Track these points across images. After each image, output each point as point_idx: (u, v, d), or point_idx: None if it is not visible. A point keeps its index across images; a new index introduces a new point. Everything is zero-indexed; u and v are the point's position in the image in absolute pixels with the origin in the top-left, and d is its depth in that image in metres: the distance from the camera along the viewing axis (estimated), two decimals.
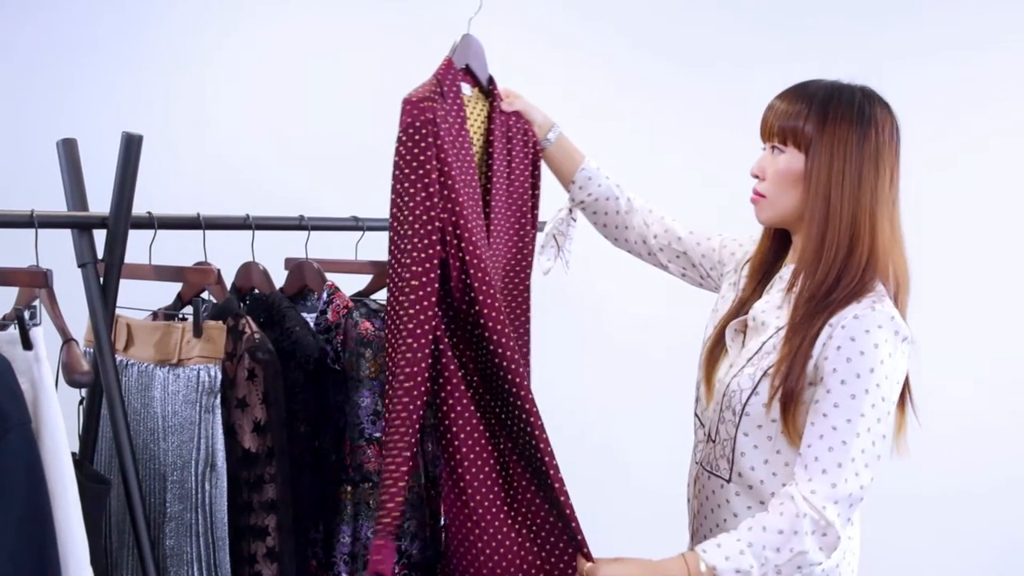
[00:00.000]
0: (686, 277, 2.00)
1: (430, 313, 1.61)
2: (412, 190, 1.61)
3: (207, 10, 3.11)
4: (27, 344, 1.52)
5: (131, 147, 1.67)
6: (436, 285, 1.62)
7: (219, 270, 1.81)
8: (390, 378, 1.62)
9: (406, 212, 1.61)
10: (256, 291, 1.92)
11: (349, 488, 1.79)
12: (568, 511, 1.66)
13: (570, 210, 2.01)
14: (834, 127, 1.63)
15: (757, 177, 1.71)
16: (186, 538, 1.72)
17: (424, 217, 1.61)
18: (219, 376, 1.71)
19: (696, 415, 1.85)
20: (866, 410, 1.56)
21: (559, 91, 3.30)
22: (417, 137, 1.61)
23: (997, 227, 3.40)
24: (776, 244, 1.79)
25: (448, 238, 1.64)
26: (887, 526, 2.88)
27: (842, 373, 1.57)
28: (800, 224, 1.70)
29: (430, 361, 1.63)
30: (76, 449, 1.80)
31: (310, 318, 1.86)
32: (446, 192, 1.64)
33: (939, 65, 3.33)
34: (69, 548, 1.49)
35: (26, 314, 1.53)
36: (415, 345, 1.60)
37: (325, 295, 1.86)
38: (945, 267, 3.18)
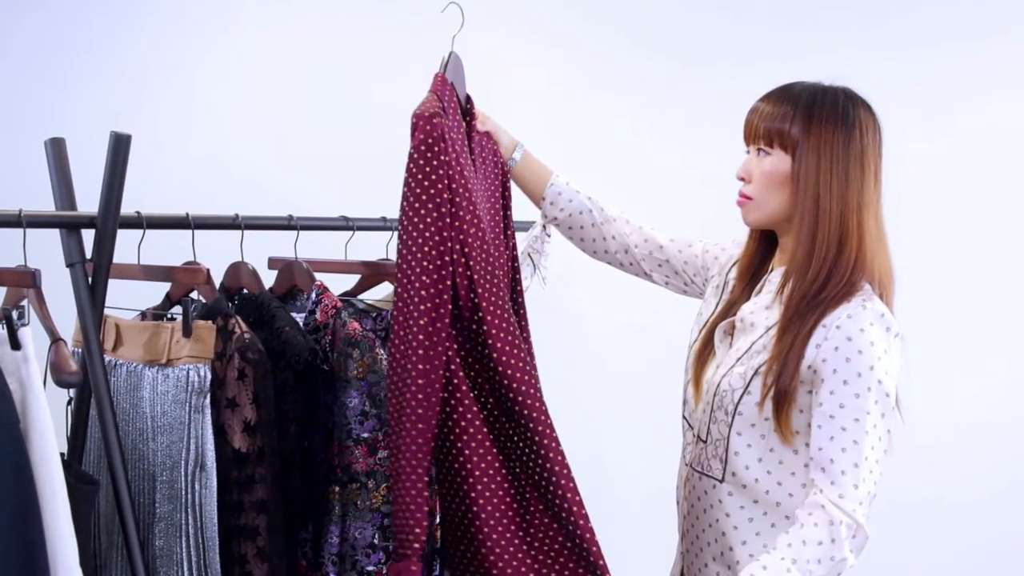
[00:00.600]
0: (669, 285, 2.01)
1: (443, 335, 1.61)
2: (426, 209, 1.60)
3: (196, 11, 3.11)
4: (15, 344, 1.52)
5: (119, 147, 1.67)
6: (449, 306, 1.62)
7: (208, 270, 1.81)
8: (400, 397, 1.61)
9: (421, 229, 1.61)
10: (245, 291, 1.92)
11: (337, 488, 1.78)
12: (588, 541, 1.65)
13: (543, 226, 2.02)
14: (820, 129, 1.64)
15: (743, 180, 1.73)
16: (176, 538, 1.72)
17: (437, 237, 1.60)
18: (209, 376, 1.71)
19: (684, 417, 1.86)
20: (871, 407, 1.57)
21: (560, 91, 3.31)
22: (429, 155, 1.60)
23: (986, 224, 3.39)
24: (763, 246, 1.80)
25: (455, 256, 1.63)
26: (878, 531, 2.89)
27: (843, 373, 1.58)
28: (787, 226, 1.71)
29: (443, 382, 1.63)
30: (64, 450, 1.79)
31: (299, 318, 1.86)
32: (454, 210, 1.63)
33: (934, 59, 3.33)
34: (58, 549, 1.49)
35: (14, 314, 1.53)
36: (427, 367, 1.60)
37: (314, 295, 1.86)
38: (932, 266, 3.19)
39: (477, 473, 1.66)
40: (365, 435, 1.77)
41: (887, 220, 1.71)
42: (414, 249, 1.61)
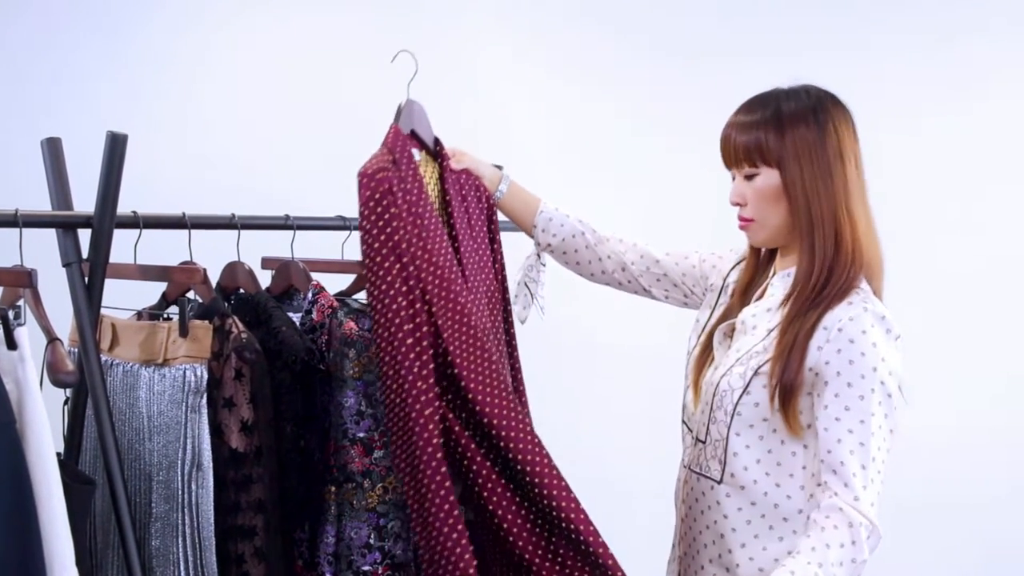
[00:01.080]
0: (669, 298, 2.01)
1: (432, 381, 1.64)
2: (389, 262, 1.65)
3: (193, 9, 3.11)
4: (11, 344, 1.51)
5: (116, 146, 1.67)
6: (431, 352, 1.66)
7: (205, 269, 1.81)
8: (407, 442, 1.64)
9: (389, 280, 1.65)
10: (241, 291, 1.92)
11: (333, 488, 1.78)
12: (603, 556, 1.66)
13: (538, 255, 2.02)
14: (793, 133, 1.66)
15: (738, 204, 1.73)
16: (172, 538, 1.71)
17: (404, 287, 1.65)
18: (205, 376, 1.71)
19: (683, 422, 1.86)
20: (875, 408, 1.59)
21: (559, 91, 3.31)
22: (380, 209, 1.65)
23: (982, 223, 3.39)
24: (765, 257, 1.81)
25: (419, 305, 1.67)
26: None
27: (847, 376, 1.59)
28: (789, 236, 1.72)
29: (441, 428, 1.65)
30: (61, 449, 1.79)
31: (296, 318, 1.86)
32: (416, 261, 1.67)
33: (947, 51, 3.31)
34: (54, 548, 1.48)
35: (10, 314, 1.52)
36: (428, 426, 1.63)
37: (310, 295, 1.86)
38: (930, 268, 3.19)
39: (491, 506, 1.69)
40: (361, 435, 1.78)
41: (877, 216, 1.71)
42: (387, 301, 1.65)
